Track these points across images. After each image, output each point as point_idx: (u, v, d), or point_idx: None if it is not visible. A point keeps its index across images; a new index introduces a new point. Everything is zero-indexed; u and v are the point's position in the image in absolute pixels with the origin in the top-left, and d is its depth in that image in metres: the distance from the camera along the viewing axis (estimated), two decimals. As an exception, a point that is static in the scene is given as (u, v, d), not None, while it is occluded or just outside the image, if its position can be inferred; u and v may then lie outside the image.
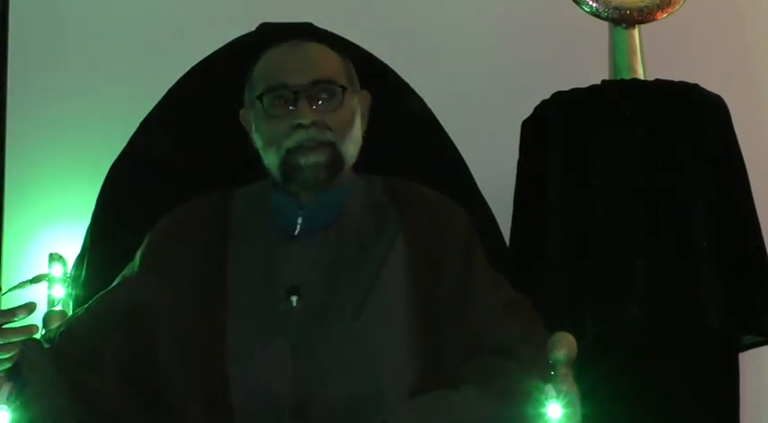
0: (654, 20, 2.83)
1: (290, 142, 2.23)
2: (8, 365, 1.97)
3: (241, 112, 2.37)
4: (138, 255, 2.30)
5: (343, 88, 2.27)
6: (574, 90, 2.76)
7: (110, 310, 2.22)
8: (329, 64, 2.30)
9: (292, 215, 2.25)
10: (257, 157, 2.39)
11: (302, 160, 2.23)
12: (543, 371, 2.03)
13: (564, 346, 2.01)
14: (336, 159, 2.25)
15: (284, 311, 2.13)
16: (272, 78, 2.27)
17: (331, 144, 2.24)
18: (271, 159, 2.27)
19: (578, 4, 2.84)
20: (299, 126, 2.22)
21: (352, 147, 2.28)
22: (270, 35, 2.72)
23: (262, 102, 2.26)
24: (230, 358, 2.12)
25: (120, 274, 2.29)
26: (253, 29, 2.77)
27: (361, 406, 2.09)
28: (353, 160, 2.29)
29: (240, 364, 2.12)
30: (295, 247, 2.23)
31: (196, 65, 2.74)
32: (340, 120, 2.26)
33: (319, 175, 2.24)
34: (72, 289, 2.63)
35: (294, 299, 2.13)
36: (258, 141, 2.30)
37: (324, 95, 2.26)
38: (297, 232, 2.24)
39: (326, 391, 2.10)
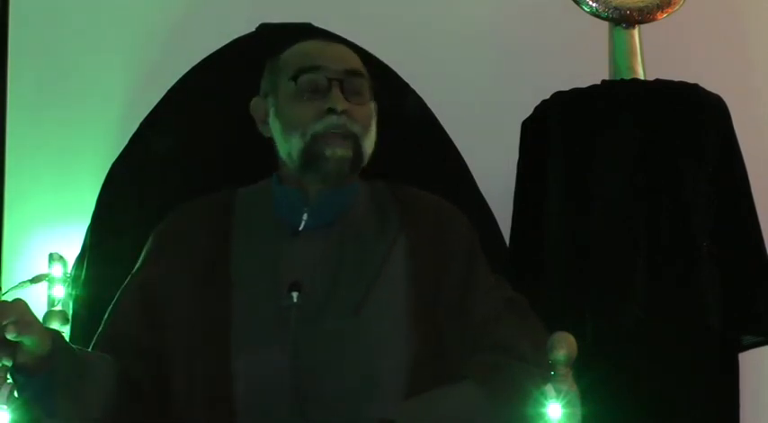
0: (654, 20, 2.83)
1: (319, 127, 2.23)
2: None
3: (253, 100, 2.37)
4: (142, 254, 2.31)
5: (370, 86, 2.30)
6: (574, 90, 2.76)
7: (124, 314, 2.24)
8: (359, 62, 2.34)
9: (298, 210, 2.25)
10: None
11: (328, 151, 2.23)
12: (543, 369, 2.03)
13: (564, 346, 2.00)
14: (358, 155, 2.26)
15: (285, 307, 2.14)
16: (308, 60, 2.29)
17: (356, 137, 2.25)
18: (292, 145, 2.26)
19: (578, 4, 2.84)
20: (331, 111, 2.23)
21: (369, 146, 2.29)
22: (270, 35, 2.73)
23: (296, 82, 2.26)
24: (233, 353, 2.14)
25: (126, 281, 2.30)
26: (253, 29, 2.78)
27: (358, 400, 2.11)
28: (367, 161, 2.30)
29: (242, 359, 2.13)
30: (297, 244, 2.24)
31: (196, 65, 2.75)
32: (364, 115, 2.29)
33: (343, 168, 2.25)
34: (72, 289, 2.63)
35: (295, 295, 2.14)
36: (276, 126, 2.29)
37: (354, 88, 2.28)
38: (301, 228, 2.25)
39: (325, 385, 2.11)
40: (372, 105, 2.32)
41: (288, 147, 2.27)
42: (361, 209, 2.30)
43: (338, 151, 2.23)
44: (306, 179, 2.27)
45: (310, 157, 2.24)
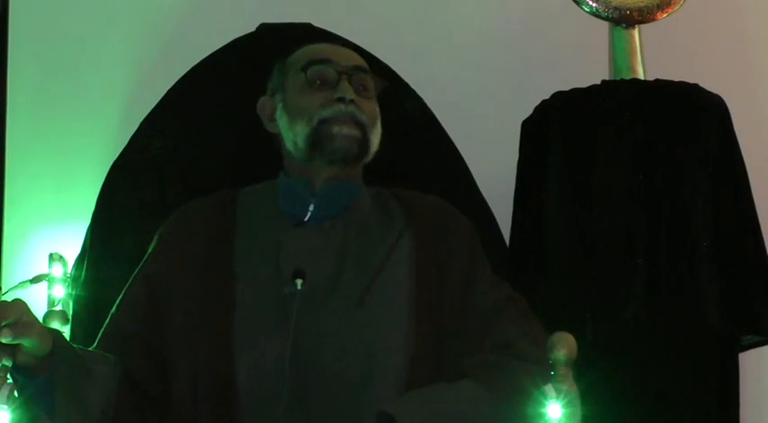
0: (654, 20, 2.83)
1: (326, 113, 2.26)
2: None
3: (260, 99, 2.39)
4: (147, 252, 2.31)
5: (375, 83, 2.34)
6: (574, 90, 2.76)
7: (128, 311, 2.25)
8: (365, 64, 2.38)
9: (304, 201, 2.26)
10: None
11: (336, 129, 2.25)
12: (543, 367, 2.04)
13: (564, 346, 2.01)
14: (365, 140, 2.28)
15: (289, 295, 2.14)
16: (318, 55, 2.33)
17: (363, 125, 2.26)
18: (298, 131, 2.28)
19: (578, 4, 2.84)
20: (340, 100, 2.25)
21: (375, 139, 2.31)
22: (270, 35, 2.73)
23: (305, 73, 2.28)
24: (235, 345, 2.14)
25: (132, 276, 2.30)
26: (253, 29, 2.78)
27: (358, 391, 2.11)
28: (372, 157, 2.31)
29: (245, 351, 2.14)
30: (302, 234, 2.25)
31: (196, 65, 2.75)
32: (371, 109, 2.32)
33: (351, 147, 2.26)
34: (72, 289, 2.63)
35: (299, 282, 2.14)
36: (283, 119, 2.31)
37: (362, 83, 2.32)
38: (307, 219, 2.25)
39: (325, 376, 2.12)
40: (377, 107, 2.34)
41: (293, 134, 2.29)
42: (366, 204, 2.32)
43: (345, 129, 2.26)
44: (312, 165, 2.28)
45: (317, 138, 2.26)
